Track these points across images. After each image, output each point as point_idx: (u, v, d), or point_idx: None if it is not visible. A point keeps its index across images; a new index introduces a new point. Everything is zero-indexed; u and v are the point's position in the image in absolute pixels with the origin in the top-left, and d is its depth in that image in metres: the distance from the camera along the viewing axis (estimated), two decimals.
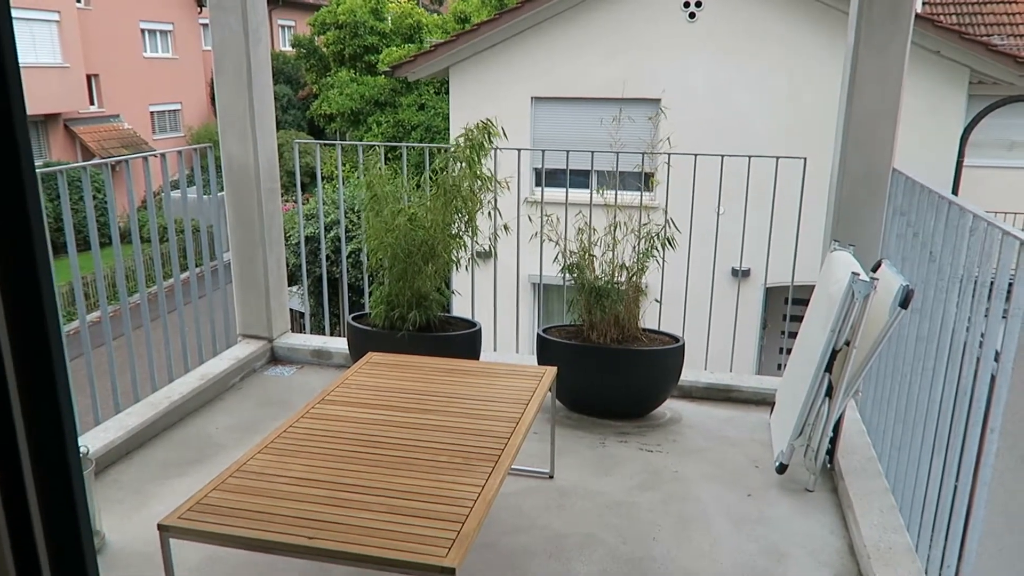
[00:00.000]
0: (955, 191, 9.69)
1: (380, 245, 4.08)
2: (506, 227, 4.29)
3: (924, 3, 13.28)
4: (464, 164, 4.05)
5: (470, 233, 4.18)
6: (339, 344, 4.67)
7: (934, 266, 2.87)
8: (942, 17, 12.61)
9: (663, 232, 3.99)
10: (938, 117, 9.76)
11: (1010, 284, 2.15)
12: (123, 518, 3.03)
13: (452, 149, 4.17)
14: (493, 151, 4.20)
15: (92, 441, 3.40)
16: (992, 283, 2.29)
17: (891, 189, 3.75)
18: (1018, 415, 1.81)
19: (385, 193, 4.14)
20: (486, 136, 4.05)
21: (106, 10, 23.15)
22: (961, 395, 2.42)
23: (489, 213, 4.33)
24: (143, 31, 24.88)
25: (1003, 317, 2.16)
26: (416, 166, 4.79)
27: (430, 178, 4.24)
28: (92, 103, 23.10)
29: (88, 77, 22.60)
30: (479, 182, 4.09)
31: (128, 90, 23.90)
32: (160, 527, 2.20)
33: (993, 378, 2.19)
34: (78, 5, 22.09)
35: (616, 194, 4.18)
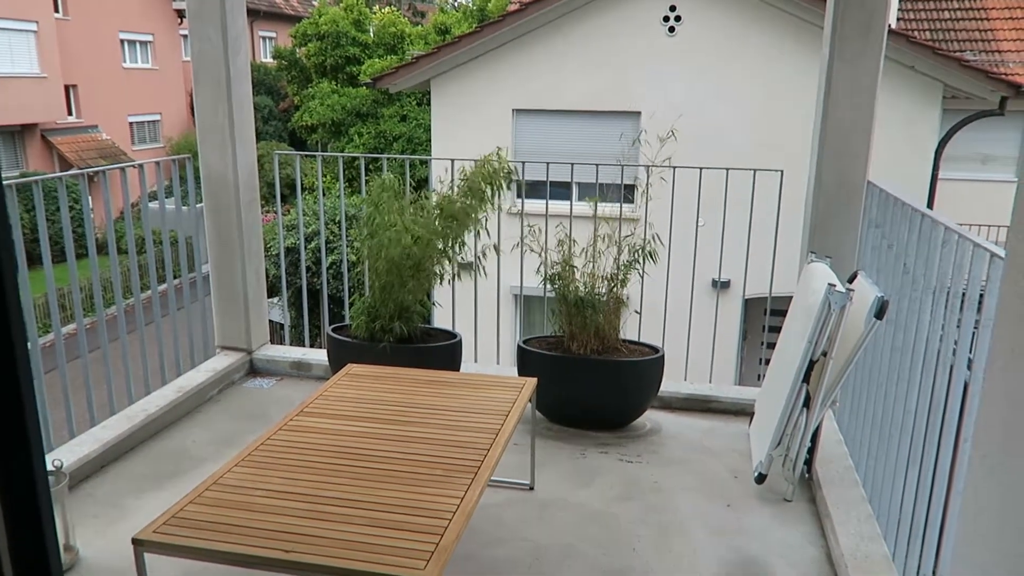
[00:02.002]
0: (930, 204, 9.84)
1: (379, 259, 4.02)
2: (496, 248, 4.27)
3: (899, 19, 13.50)
4: (467, 188, 4.04)
5: (457, 249, 4.17)
6: (319, 356, 4.65)
7: (908, 277, 2.91)
8: (916, 33, 12.83)
9: (646, 245, 4.01)
10: (913, 131, 9.91)
11: (981, 295, 2.19)
12: (98, 533, 2.99)
13: (461, 174, 4.15)
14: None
15: (67, 455, 3.35)
16: (964, 294, 2.33)
17: (867, 202, 3.80)
18: (989, 425, 1.83)
19: (384, 210, 4.09)
20: (500, 176, 4.05)
21: (85, 20, 22.98)
22: (935, 405, 2.45)
23: (477, 232, 4.31)
24: (123, 41, 24.73)
25: (974, 328, 2.19)
26: (398, 176, 4.78)
27: (422, 195, 4.21)
28: (70, 113, 22.89)
29: (66, 87, 22.40)
30: (480, 204, 4.08)
31: (107, 101, 23.71)
32: (135, 541, 2.18)
33: (966, 388, 2.22)
34: (56, 15, 21.92)
35: (596, 205, 4.20)
